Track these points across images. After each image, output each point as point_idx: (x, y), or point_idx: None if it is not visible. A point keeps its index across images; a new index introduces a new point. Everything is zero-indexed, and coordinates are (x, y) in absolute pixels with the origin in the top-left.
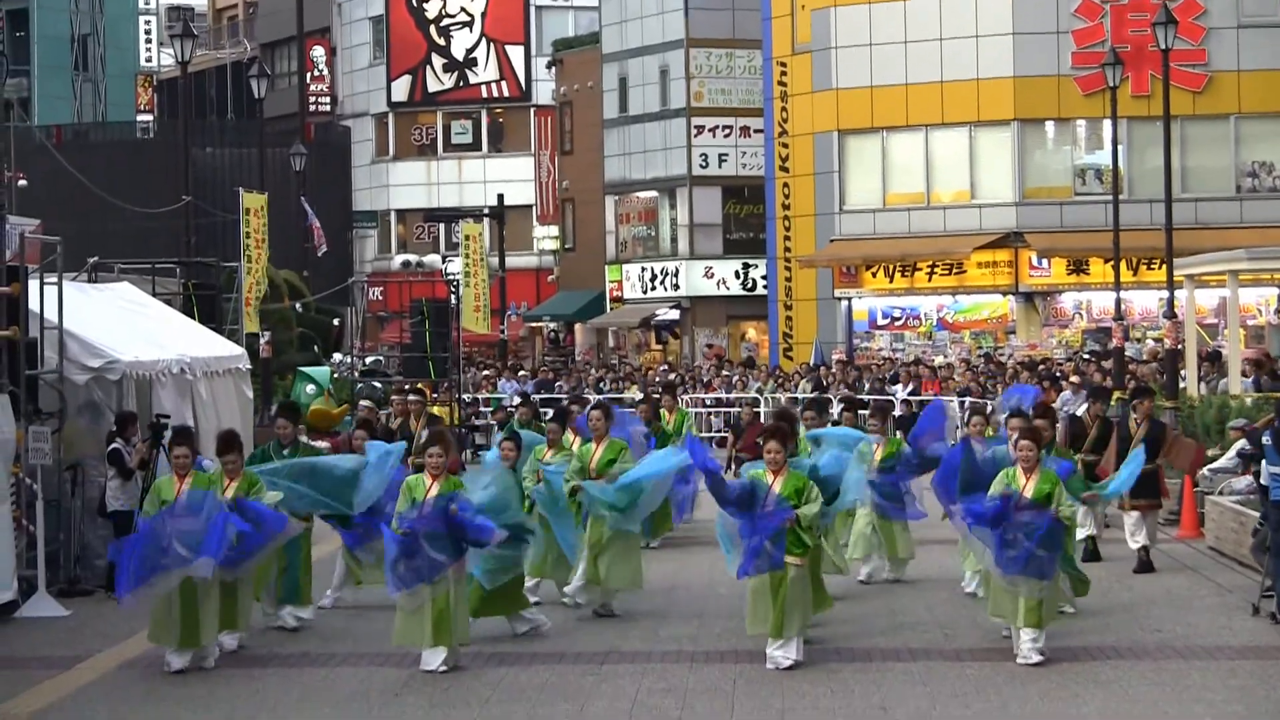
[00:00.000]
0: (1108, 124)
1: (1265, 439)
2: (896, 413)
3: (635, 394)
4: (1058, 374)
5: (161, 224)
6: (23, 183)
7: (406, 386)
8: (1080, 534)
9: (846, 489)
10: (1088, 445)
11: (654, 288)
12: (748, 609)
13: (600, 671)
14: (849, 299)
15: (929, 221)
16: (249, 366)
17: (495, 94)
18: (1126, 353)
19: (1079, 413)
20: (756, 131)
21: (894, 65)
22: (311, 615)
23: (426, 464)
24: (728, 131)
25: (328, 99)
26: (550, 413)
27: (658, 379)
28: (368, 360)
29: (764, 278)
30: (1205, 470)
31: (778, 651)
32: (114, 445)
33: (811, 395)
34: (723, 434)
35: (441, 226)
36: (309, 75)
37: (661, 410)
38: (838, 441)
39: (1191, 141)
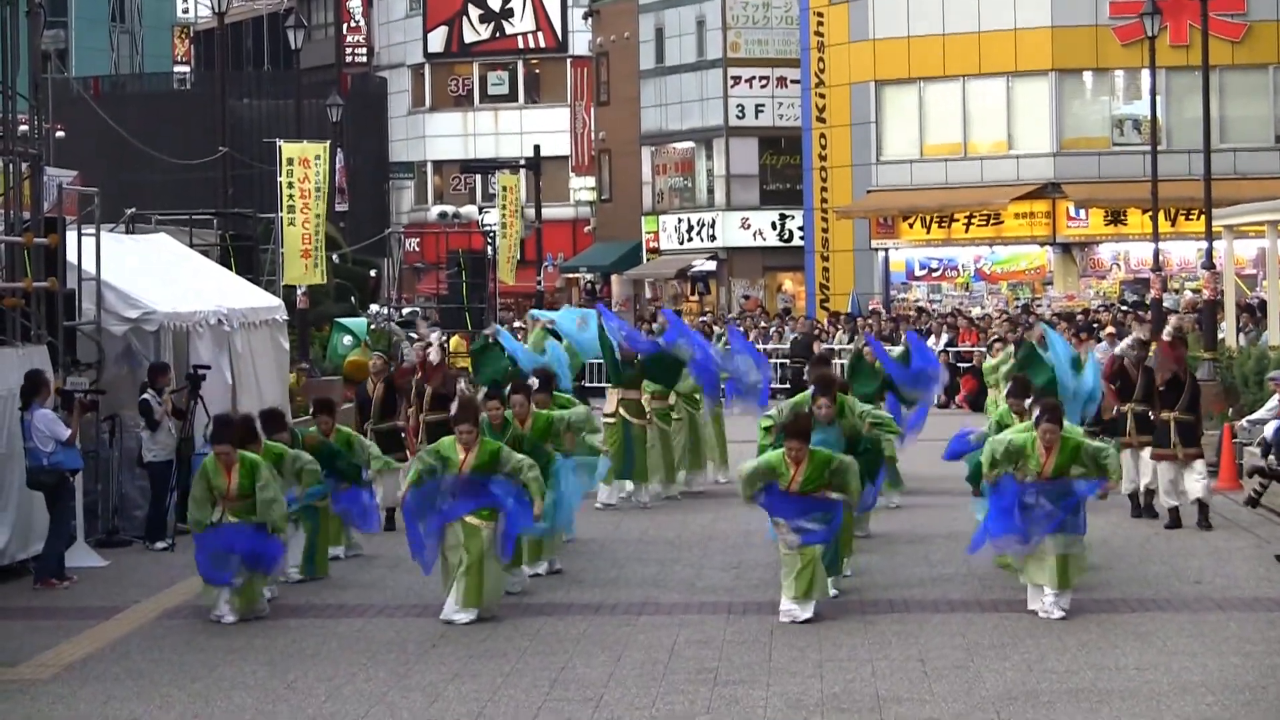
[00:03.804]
0: (1146, 74)
1: None
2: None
3: None
4: (1094, 325)
5: (199, 175)
6: (60, 134)
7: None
8: (1126, 487)
9: None
10: (1139, 395)
11: (690, 239)
12: (783, 573)
13: (637, 622)
14: (886, 250)
15: (966, 172)
16: (286, 318)
17: (531, 45)
18: (1164, 304)
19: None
20: (793, 82)
21: (931, 15)
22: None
23: (458, 435)
24: (764, 82)
25: (364, 50)
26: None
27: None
28: (404, 311)
29: (800, 229)
30: (1244, 421)
31: (795, 605)
32: (144, 396)
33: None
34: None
35: (478, 177)
36: (345, 26)
37: None
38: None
39: (1230, 91)
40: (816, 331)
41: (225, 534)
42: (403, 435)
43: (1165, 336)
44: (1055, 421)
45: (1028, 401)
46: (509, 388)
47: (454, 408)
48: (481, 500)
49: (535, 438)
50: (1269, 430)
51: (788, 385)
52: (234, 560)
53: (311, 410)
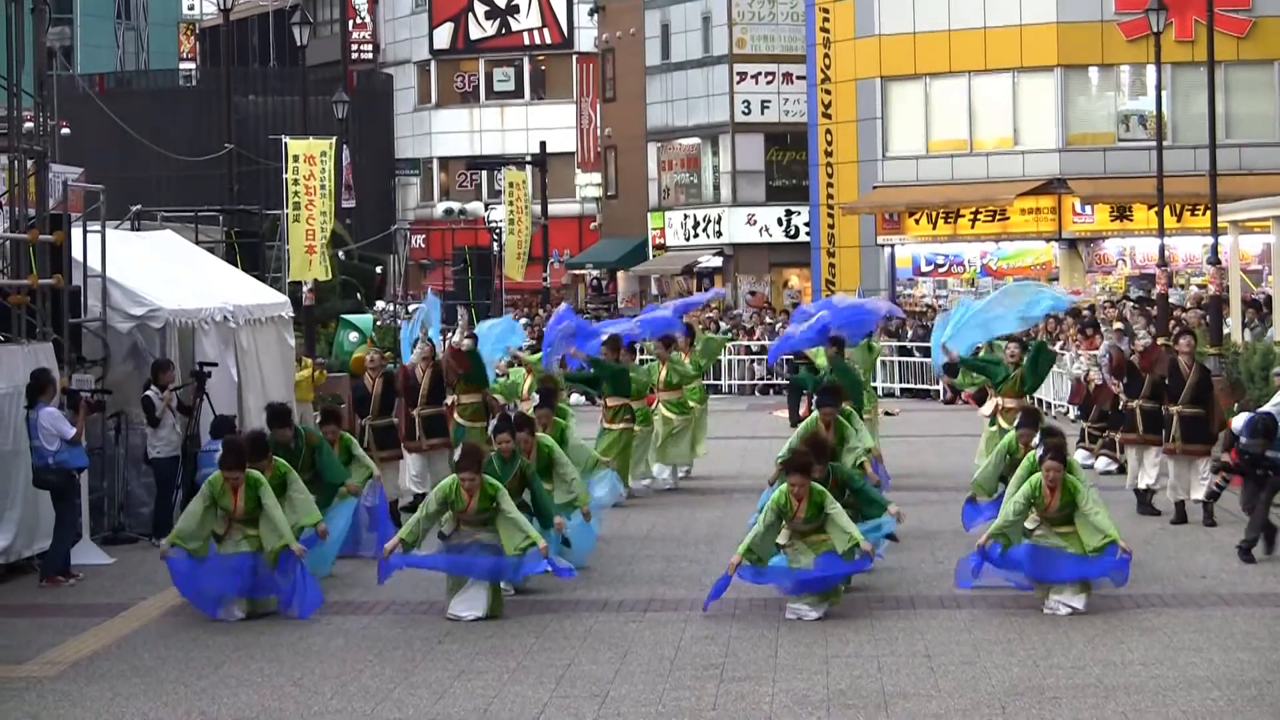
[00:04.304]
0: (1151, 69)
1: None
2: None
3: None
4: (1099, 320)
5: (204, 172)
6: (66, 131)
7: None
8: (1141, 484)
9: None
10: (1145, 391)
11: (696, 235)
12: None
13: (643, 619)
14: (892, 246)
15: (972, 168)
16: (291, 314)
17: (537, 41)
18: (1170, 299)
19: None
20: (799, 78)
21: (936, 11)
22: None
23: (460, 482)
24: (770, 78)
25: (370, 46)
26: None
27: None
28: (410, 308)
29: (806, 224)
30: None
31: (806, 606)
32: (146, 393)
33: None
34: (765, 381)
35: (484, 174)
36: (351, 23)
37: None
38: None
39: (1235, 87)
40: None
41: (220, 571)
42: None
43: (1141, 345)
44: (1059, 459)
45: (1036, 441)
46: (515, 421)
47: (458, 453)
48: (485, 570)
49: (540, 469)
50: (1237, 423)
51: (787, 382)
52: (226, 597)
53: (319, 421)
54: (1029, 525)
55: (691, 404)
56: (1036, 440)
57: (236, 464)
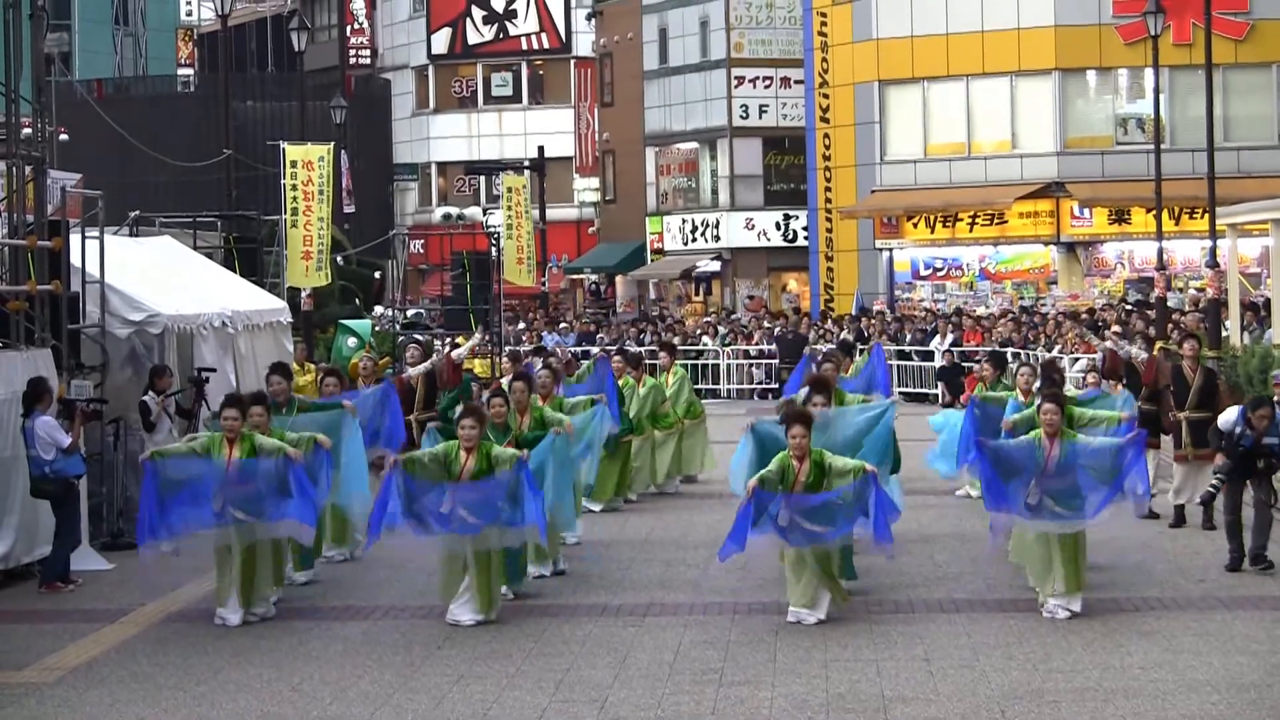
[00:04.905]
0: (1149, 73)
1: None
2: (938, 363)
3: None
4: (1100, 323)
5: (203, 177)
6: (64, 137)
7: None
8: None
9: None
10: (1144, 394)
11: (694, 239)
12: (789, 581)
13: (642, 623)
14: (890, 250)
15: (970, 172)
16: (290, 320)
17: (535, 46)
18: (1169, 303)
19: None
20: (797, 82)
21: (934, 15)
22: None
23: (460, 436)
24: (768, 82)
25: (368, 52)
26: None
27: (659, 336)
28: (409, 313)
29: (805, 229)
30: None
31: (804, 610)
32: (143, 398)
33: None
34: (765, 386)
35: (482, 179)
36: (349, 28)
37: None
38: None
39: (1233, 90)
40: (821, 331)
41: (191, 500)
42: None
43: (1139, 355)
44: (1056, 403)
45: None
46: (513, 376)
47: (459, 409)
48: (482, 519)
49: (531, 434)
50: (1226, 419)
51: (776, 385)
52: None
53: (320, 377)
54: (1031, 501)
55: (684, 420)
56: (1037, 386)
57: (237, 403)
